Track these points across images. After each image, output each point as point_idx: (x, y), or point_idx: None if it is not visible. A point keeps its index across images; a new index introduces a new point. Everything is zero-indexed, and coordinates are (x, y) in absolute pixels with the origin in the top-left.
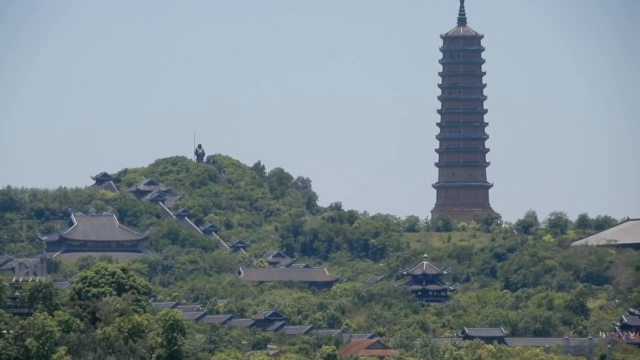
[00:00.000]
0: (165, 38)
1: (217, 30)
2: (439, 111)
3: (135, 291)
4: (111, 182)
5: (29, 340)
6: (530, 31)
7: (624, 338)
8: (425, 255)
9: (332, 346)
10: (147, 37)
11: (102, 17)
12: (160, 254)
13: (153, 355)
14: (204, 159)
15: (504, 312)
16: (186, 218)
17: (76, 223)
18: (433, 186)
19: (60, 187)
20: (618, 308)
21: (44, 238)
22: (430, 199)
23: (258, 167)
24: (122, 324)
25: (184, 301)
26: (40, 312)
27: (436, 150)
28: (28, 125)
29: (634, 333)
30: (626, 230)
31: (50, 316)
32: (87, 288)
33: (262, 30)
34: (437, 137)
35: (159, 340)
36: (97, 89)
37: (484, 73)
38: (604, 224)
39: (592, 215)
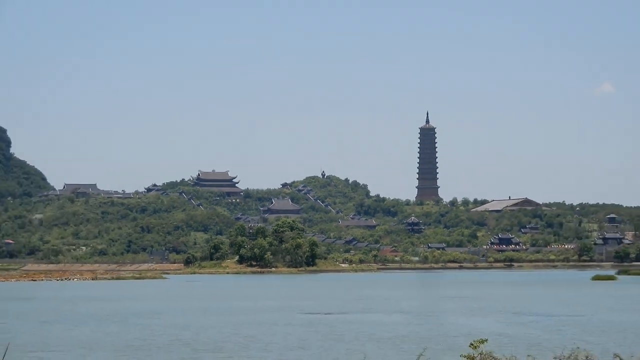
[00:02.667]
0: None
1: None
2: (418, 158)
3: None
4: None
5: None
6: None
7: (493, 248)
8: (413, 215)
9: (376, 251)
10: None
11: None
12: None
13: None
14: (326, 177)
15: (445, 237)
16: (318, 200)
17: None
18: (416, 187)
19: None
20: (490, 236)
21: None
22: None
23: (348, 181)
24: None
25: None
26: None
27: (417, 174)
28: None
29: (496, 245)
30: (494, 204)
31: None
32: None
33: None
34: (417, 172)
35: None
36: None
37: (437, 142)
38: (484, 201)
39: (480, 198)
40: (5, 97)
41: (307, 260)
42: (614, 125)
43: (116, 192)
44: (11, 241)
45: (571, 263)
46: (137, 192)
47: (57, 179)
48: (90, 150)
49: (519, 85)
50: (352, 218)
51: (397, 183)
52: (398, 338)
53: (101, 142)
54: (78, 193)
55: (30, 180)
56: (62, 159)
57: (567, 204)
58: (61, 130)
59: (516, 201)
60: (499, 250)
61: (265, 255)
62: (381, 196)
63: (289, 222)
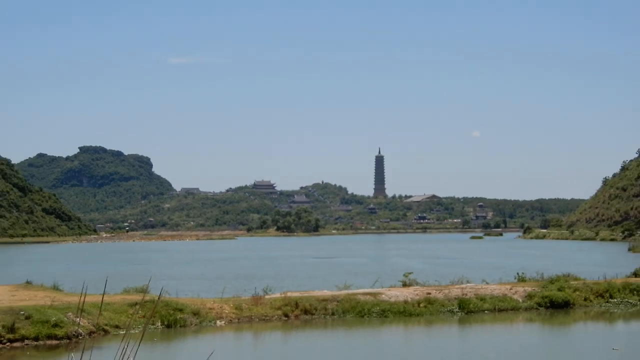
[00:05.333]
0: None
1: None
2: (374, 172)
3: None
4: (304, 188)
5: None
6: None
7: (416, 222)
8: (372, 204)
9: (351, 223)
10: None
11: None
12: None
13: None
14: (323, 183)
15: (389, 216)
16: (319, 196)
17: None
18: (373, 188)
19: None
20: (414, 215)
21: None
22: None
23: (336, 185)
24: None
25: None
26: None
27: (374, 181)
28: None
29: (417, 220)
30: (416, 197)
31: None
32: None
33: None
34: (374, 180)
35: None
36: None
37: (385, 164)
38: (410, 196)
39: (408, 194)
40: (147, 135)
41: (314, 229)
42: (480, 156)
43: (209, 192)
44: (152, 219)
45: (458, 230)
46: (221, 192)
47: (177, 185)
48: (196, 168)
49: (426, 129)
50: (338, 206)
51: (363, 186)
52: (364, 271)
53: (201, 164)
54: (188, 193)
55: (163, 186)
56: (180, 172)
57: (455, 197)
58: (179, 155)
59: (428, 196)
60: (418, 223)
61: (291, 226)
62: (354, 194)
63: (304, 208)
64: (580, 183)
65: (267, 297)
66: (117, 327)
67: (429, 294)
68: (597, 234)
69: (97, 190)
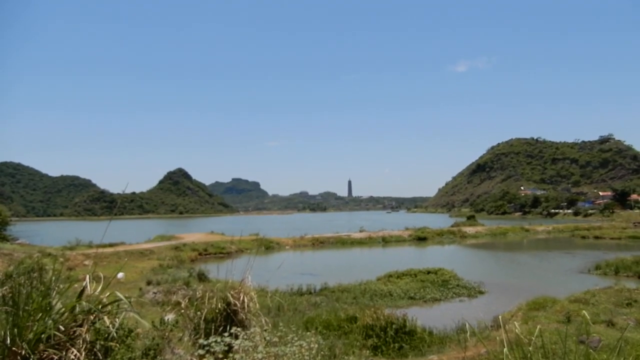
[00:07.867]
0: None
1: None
2: (347, 187)
3: None
4: (320, 194)
5: None
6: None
7: (365, 207)
8: (348, 200)
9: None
10: None
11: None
12: None
13: None
14: (328, 192)
15: (354, 204)
16: (327, 198)
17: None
18: (347, 192)
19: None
20: (364, 206)
21: None
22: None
23: (334, 193)
24: None
25: None
26: None
27: (347, 190)
28: None
29: (364, 208)
30: (365, 197)
31: None
32: None
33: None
34: (347, 189)
35: None
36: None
37: (352, 184)
38: (361, 196)
39: (363, 195)
40: (259, 171)
41: (324, 210)
42: (389, 181)
43: (283, 195)
44: (260, 207)
45: (381, 210)
46: (287, 195)
47: (270, 192)
48: (278, 185)
49: (367, 167)
50: (334, 201)
51: (343, 192)
52: (344, 226)
53: (279, 183)
54: (274, 196)
55: (264, 193)
56: (271, 187)
57: (381, 196)
58: (270, 180)
59: (369, 196)
60: (365, 207)
61: (315, 209)
62: (340, 195)
63: (320, 202)
64: (428, 187)
65: (305, 236)
66: (247, 249)
67: (370, 235)
68: (436, 210)
69: (239, 196)
